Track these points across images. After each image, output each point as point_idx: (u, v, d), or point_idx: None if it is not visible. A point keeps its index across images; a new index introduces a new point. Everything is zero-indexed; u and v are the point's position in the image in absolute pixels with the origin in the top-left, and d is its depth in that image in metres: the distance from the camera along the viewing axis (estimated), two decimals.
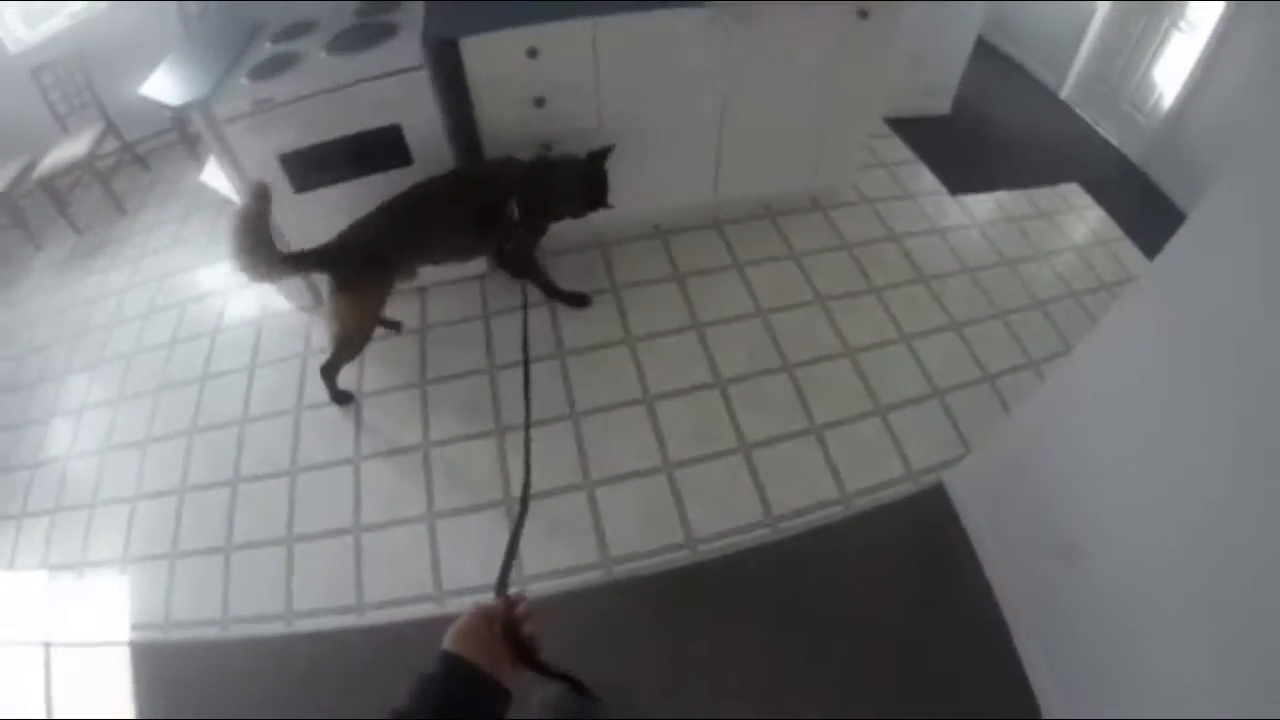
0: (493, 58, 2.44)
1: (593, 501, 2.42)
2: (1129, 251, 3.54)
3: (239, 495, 2.58)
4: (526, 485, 1.37)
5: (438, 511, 2.44)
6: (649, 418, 2.63)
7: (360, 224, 2.37)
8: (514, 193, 2.48)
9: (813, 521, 2.38)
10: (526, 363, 1.83)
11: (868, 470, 2.51)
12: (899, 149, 4.01)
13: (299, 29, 2.61)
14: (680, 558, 2.28)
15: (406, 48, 2.38)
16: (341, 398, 2.76)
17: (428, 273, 2.82)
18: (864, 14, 2.64)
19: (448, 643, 0.83)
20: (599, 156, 2.59)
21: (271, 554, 2.41)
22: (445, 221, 2.45)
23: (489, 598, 0.94)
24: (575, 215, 2.73)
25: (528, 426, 1.59)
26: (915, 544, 2.38)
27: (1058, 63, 4.70)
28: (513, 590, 0.96)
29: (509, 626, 0.88)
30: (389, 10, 2.62)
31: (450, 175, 2.51)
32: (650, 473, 2.48)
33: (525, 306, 2.21)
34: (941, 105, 4.32)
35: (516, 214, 2.49)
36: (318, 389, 2.78)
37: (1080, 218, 3.75)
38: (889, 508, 2.42)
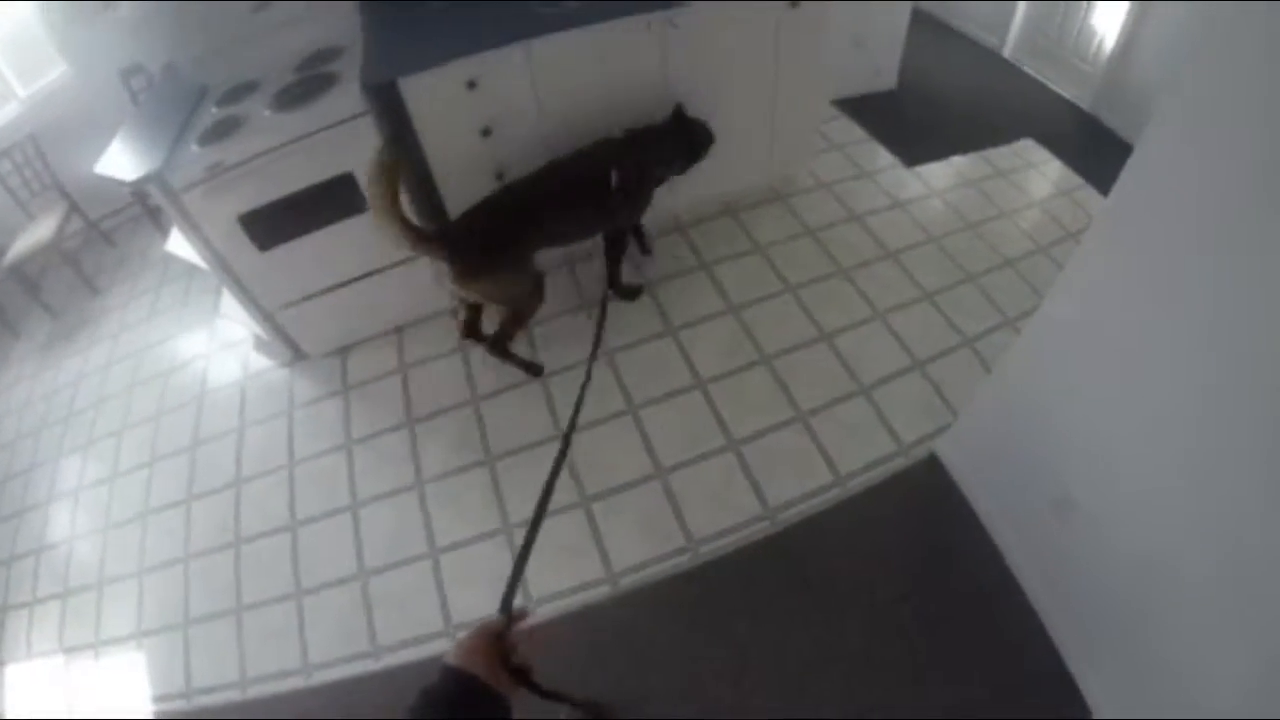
0: (433, 94, 2.46)
1: (590, 517, 2.45)
2: (1091, 198, 3.59)
3: (242, 556, 2.60)
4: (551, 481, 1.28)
5: (439, 547, 2.46)
6: (636, 427, 2.66)
7: (477, 210, 2.45)
8: (616, 162, 2.58)
9: (811, 508, 2.41)
10: (594, 354, 1.82)
11: (859, 450, 2.54)
12: (851, 129, 4.04)
13: (243, 90, 2.64)
14: (683, 562, 2.31)
15: (347, 96, 2.40)
16: (532, 368, 2.86)
17: (401, 312, 2.86)
18: (793, 3, 2.68)
19: (450, 657, 0.87)
20: (682, 111, 2.69)
21: (282, 610, 2.43)
22: (559, 203, 2.53)
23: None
24: (680, 172, 2.84)
25: (577, 409, 1.55)
26: (916, 516, 2.41)
27: (997, 24, 4.75)
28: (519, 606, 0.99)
29: (503, 650, 0.90)
30: (328, 61, 2.65)
31: (552, 164, 2.59)
32: (644, 481, 2.50)
33: (605, 300, 2.36)
34: (888, 81, 4.36)
35: (616, 181, 2.56)
36: (308, 442, 2.83)
37: (1039, 171, 3.79)
38: (885, 484, 2.46)
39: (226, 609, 2.48)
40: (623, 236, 2.89)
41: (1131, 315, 1.53)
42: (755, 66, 2.87)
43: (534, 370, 2.86)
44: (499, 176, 2.74)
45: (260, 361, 3.23)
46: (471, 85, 2.48)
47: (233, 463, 2.90)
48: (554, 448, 2.58)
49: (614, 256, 2.91)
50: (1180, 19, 3.52)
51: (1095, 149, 3.94)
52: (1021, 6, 4.52)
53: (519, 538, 2.41)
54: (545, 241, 2.63)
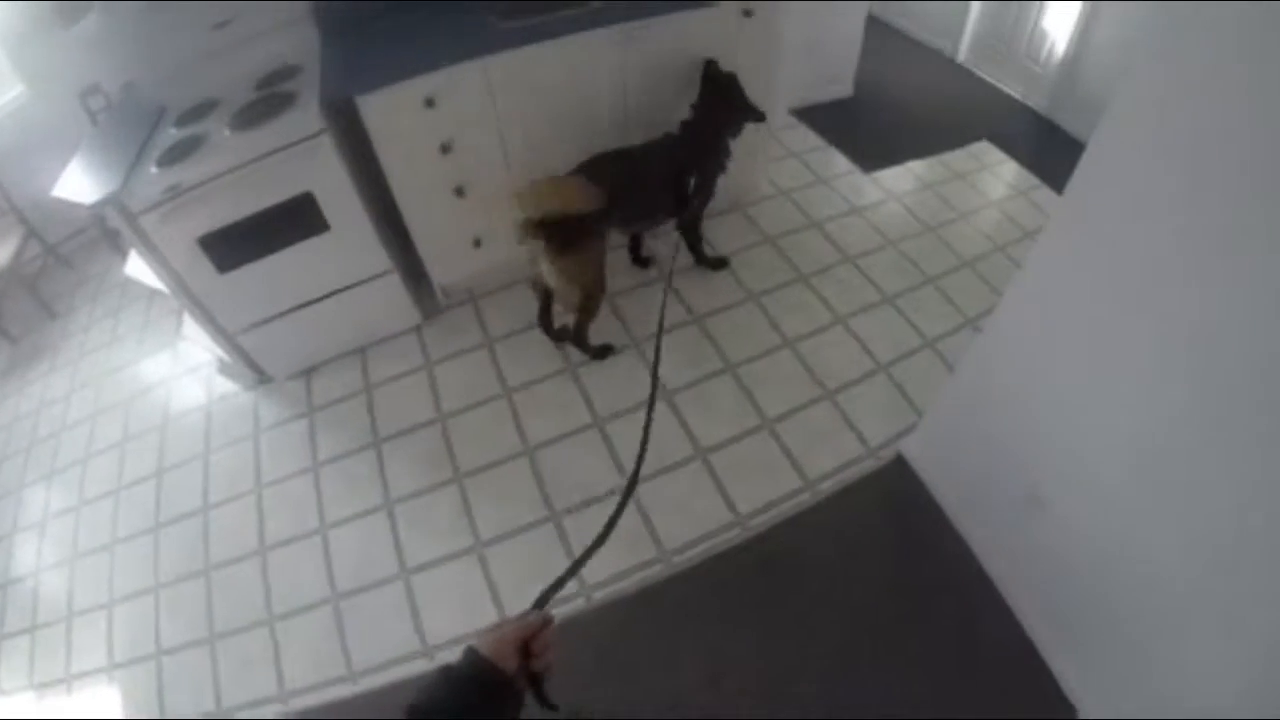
0: (391, 112, 2.47)
1: (561, 530, 2.46)
2: (1048, 198, 3.68)
3: (213, 583, 2.57)
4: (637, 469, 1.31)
5: (410, 568, 2.46)
6: (603, 441, 2.68)
7: None
8: (684, 153, 2.77)
9: (782, 513, 2.45)
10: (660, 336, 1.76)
11: (826, 454, 2.58)
12: (808, 137, 4.11)
13: (202, 109, 2.62)
14: (655, 573, 2.33)
15: (306, 115, 2.40)
16: (601, 352, 2.92)
17: (364, 332, 2.87)
18: (748, 13, 2.73)
19: (477, 642, 0.88)
20: (715, 70, 2.78)
21: (256, 637, 2.40)
22: (638, 184, 2.67)
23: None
24: (736, 135, 2.90)
25: (651, 405, 1.49)
26: (885, 516, 2.46)
27: (949, 29, 4.84)
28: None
29: (529, 650, 0.91)
30: (286, 79, 2.64)
31: (619, 152, 2.68)
32: (610, 495, 2.52)
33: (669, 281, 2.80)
34: (844, 89, 4.43)
35: (694, 183, 2.82)
36: (275, 465, 2.81)
37: (995, 173, 3.88)
38: (854, 487, 2.50)
39: (199, 638, 2.44)
40: (697, 223, 3.07)
41: (1089, 311, 1.57)
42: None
43: (605, 353, 2.94)
44: (459, 192, 2.75)
45: (225, 385, 3.20)
46: (430, 103, 2.49)
47: (200, 489, 2.86)
48: (522, 463, 2.65)
49: (693, 240, 3.11)
50: (1131, 19, 3.61)
51: (1050, 149, 4.04)
52: (973, 11, 4.62)
53: (490, 555, 2.43)
54: (620, 225, 2.83)
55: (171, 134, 2.54)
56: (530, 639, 0.90)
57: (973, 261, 3.29)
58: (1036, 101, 4.36)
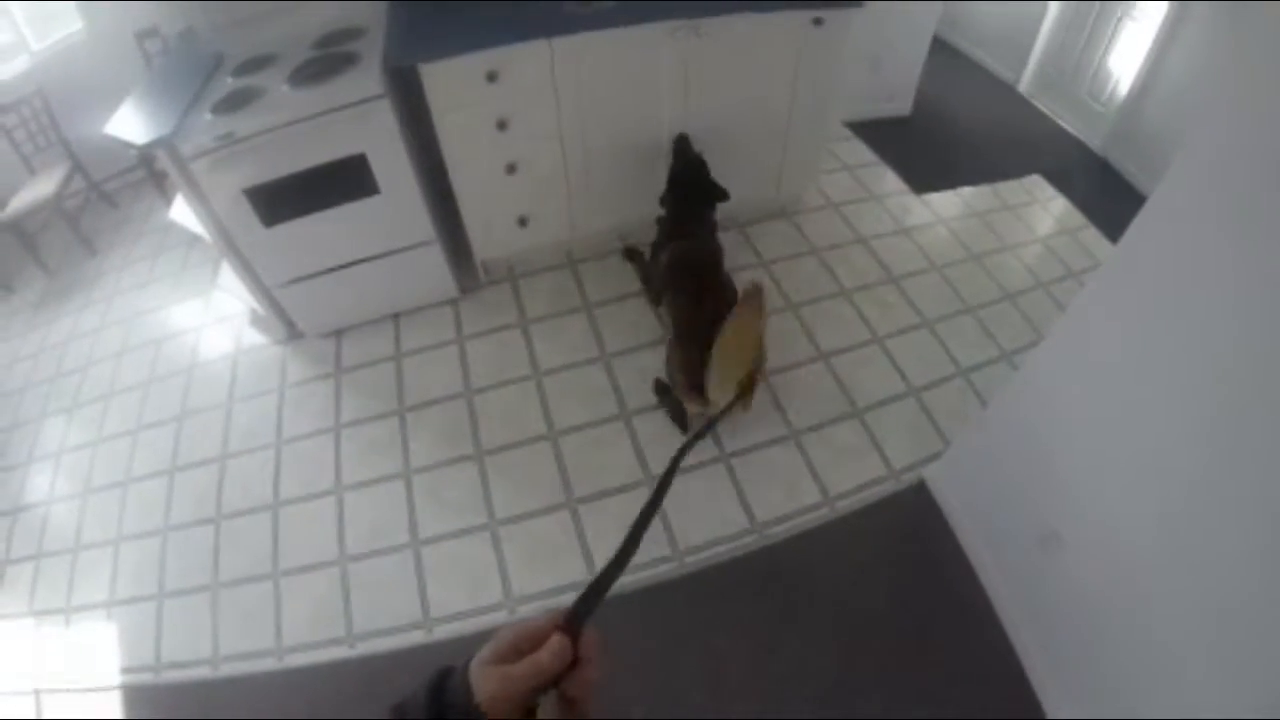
0: (452, 83, 2.46)
1: (576, 517, 2.44)
2: (1094, 239, 3.62)
3: (222, 532, 2.57)
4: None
5: (422, 539, 2.44)
6: (628, 434, 2.66)
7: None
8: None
9: (798, 526, 2.41)
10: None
11: (849, 472, 2.55)
12: (862, 152, 4.07)
13: (259, 62, 2.62)
14: (667, 570, 2.30)
15: (367, 77, 2.39)
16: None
17: (400, 300, 2.88)
18: (818, 21, 2.69)
19: (473, 673, 0.54)
20: (681, 144, 2.79)
21: (259, 590, 2.40)
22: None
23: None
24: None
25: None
26: (901, 542, 2.41)
27: (1014, 57, 4.79)
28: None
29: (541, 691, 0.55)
30: (349, 40, 2.63)
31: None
32: (634, 486, 2.50)
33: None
34: (902, 107, 4.39)
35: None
36: (297, 422, 2.82)
37: (1045, 208, 3.82)
38: (873, 507, 2.46)
39: (202, 584, 2.45)
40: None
41: (1127, 366, 1.55)
42: (774, 81, 2.88)
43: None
44: (510, 169, 2.74)
45: (254, 337, 3.21)
46: (492, 77, 2.48)
47: (219, 437, 2.87)
48: (544, 447, 2.63)
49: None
50: (1197, 69, 3.56)
51: (1101, 190, 3.98)
52: (1040, 41, 4.55)
53: (503, 534, 2.42)
54: None
55: (228, 83, 2.54)
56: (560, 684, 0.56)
57: (1014, 295, 3.24)
58: (1093, 139, 4.30)
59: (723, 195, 2.75)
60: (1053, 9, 4.42)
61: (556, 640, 0.55)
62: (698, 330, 2.35)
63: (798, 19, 2.68)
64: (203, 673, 2.25)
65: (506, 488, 2.56)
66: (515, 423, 2.73)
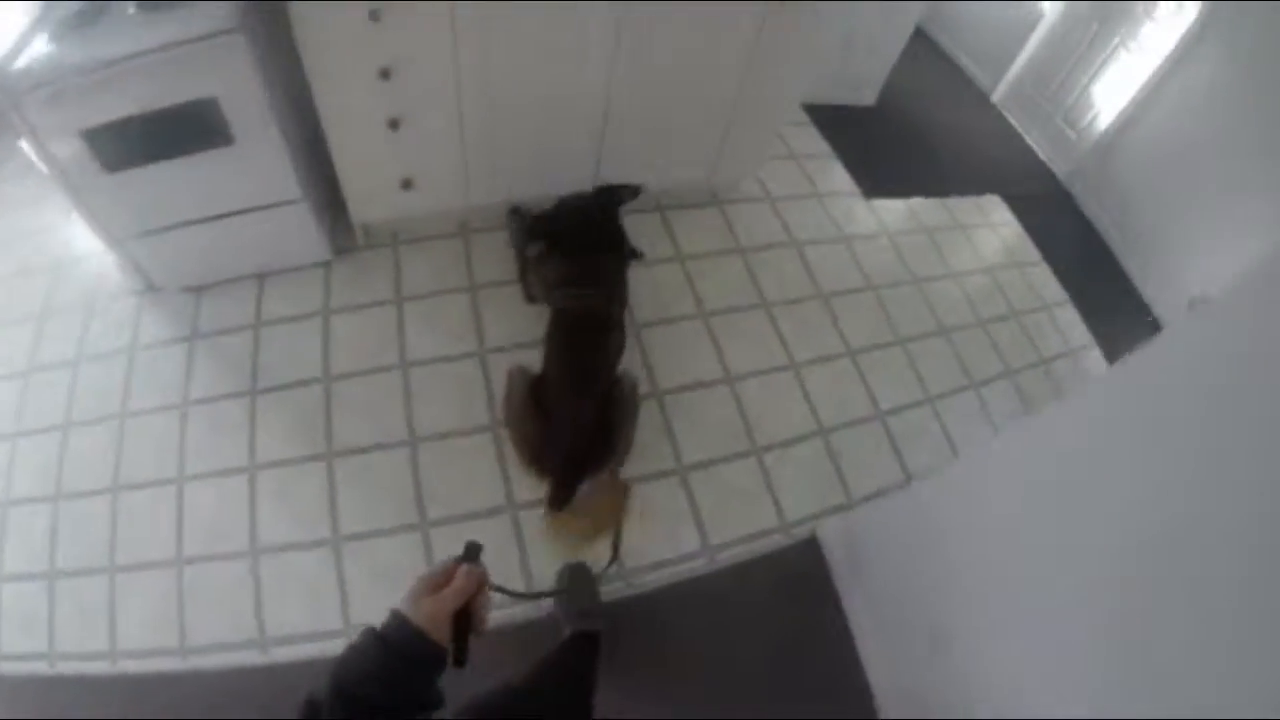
0: (325, 19, 2.01)
1: (427, 543, 2.16)
2: (1043, 277, 3.44)
3: (61, 514, 2.23)
4: None
5: (261, 546, 2.14)
6: (496, 448, 2.34)
7: None
8: None
9: (675, 575, 2.17)
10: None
11: (737, 519, 2.30)
12: (814, 140, 3.72)
13: None
14: (524, 612, 2.01)
15: (221, 5, 1.93)
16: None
17: (266, 258, 2.59)
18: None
19: (406, 604, 0.84)
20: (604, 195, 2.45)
21: (96, 583, 2.10)
22: None
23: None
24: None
25: None
26: (781, 599, 2.20)
27: (994, 64, 4.48)
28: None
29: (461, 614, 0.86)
30: None
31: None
32: (493, 513, 2.22)
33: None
34: (867, 96, 4.05)
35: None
36: (145, 394, 2.45)
37: (996, 233, 3.58)
38: (756, 561, 2.23)
39: (39, 571, 2.13)
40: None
41: (1057, 501, 1.43)
42: (726, 54, 2.50)
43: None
44: (393, 125, 2.32)
45: (112, 281, 2.74)
46: (375, 15, 2.01)
47: (64, 402, 2.46)
48: (402, 455, 2.31)
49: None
50: (1190, 118, 3.32)
51: (1059, 224, 3.78)
52: (1025, 52, 4.23)
53: (347, 552, 2.13)
54: None
55: None
56: (468, 603, 0.86)
57: (950, 331, 3.00)
58: (1060, 167, 4.07)
59: (635, 254, 2.40)
60: (1048, 15, 4.08)
61: (467, 568, 0.89)
62: (563, 389, 2.11)
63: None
64: (38, 668, 1.98)
65: (356, 498, 2.24)
66: (374, 420, 2.39)
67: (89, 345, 2.61)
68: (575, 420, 2.07)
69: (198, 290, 2.70)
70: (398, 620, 0.81)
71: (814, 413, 2.59)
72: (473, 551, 0.93)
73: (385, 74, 2.17)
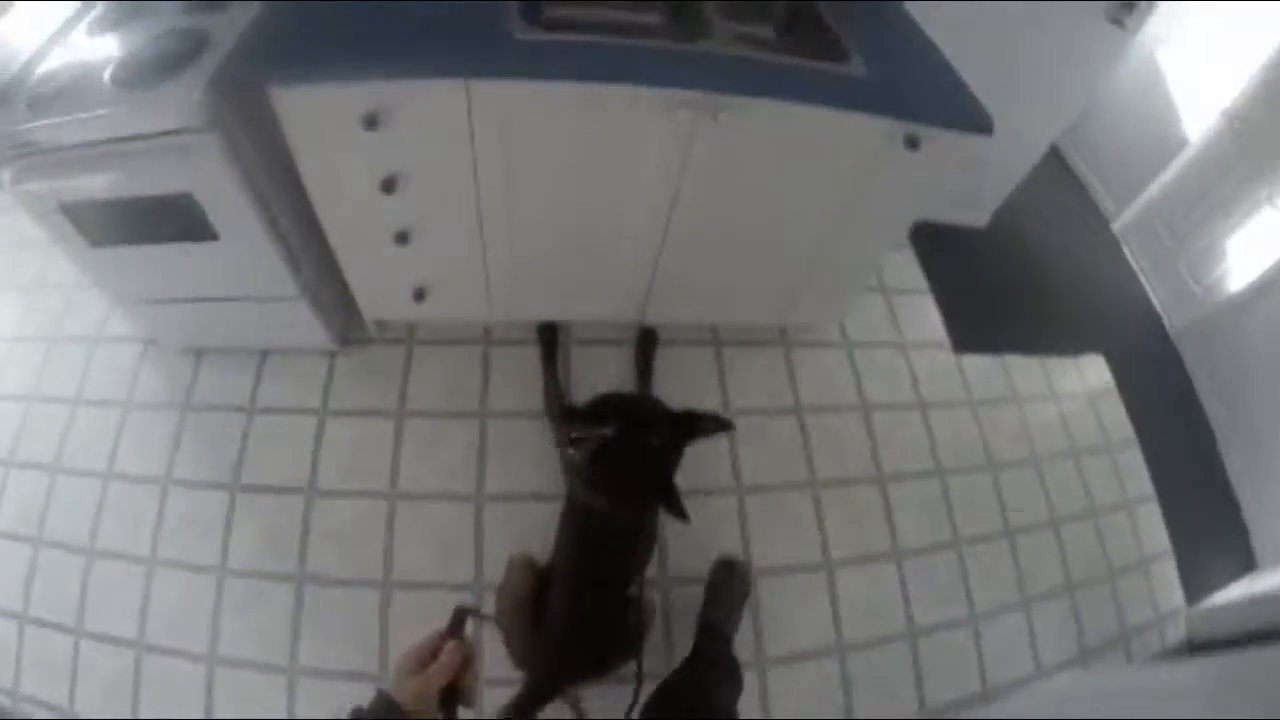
0: (316, 122, 1.69)
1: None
2: (1132, 464, 2.96)
3: (40, 560, 2.20)
4: None
5: (220, 658, 2.02)
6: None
7: None
8: None
9: None
10: None
11: None
12: (909, 269, 3.24)
13: (122, 14, 1.86)
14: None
15: (189, 97, 1.59)
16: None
17: (266, 338, 2.46)
18: (913, 143, 1.86)
19: (392, 684, 0.83)
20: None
21: (60, 642, 2.07)
22: None
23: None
24: None
25: None
26: None
27: (1123, 190, 3.92)
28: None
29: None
30: (213, 10, 1.81)
31: None
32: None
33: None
34: (979, 217, 3.57)
35: None
36: (131, 458, 2.37)
37: (1094, 408, 3.11)
38: None
39: (13, 610, 2.11)
40: None
41: None
42: (822, 200, 2.11)
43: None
44: (402, 239, 2.01)
45: (121, 320, 2.55)
46: (371, 123, 1.65)
47: (58, 440, 2.39)
48: (371, 598, 2.09)
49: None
50: None
51: (1162, 393, 3.31)
52: (1159, 183, 3.69)
53: (301, 691, 1.98)
54: None
55: (66, 52, 1.79)
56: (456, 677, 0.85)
57: (1015, 532, 2.59)
58: (1174, 320, 3.55)
59: (681, 514, 1.71)
60: (1192, 148, 3.53)
61: (454, 644, 0.86)
62: (567, 598, 1.77)
63: (882, 132, 1.83)
64: (1, 702, 1.98)
65: (317, 635, 2.05)
66: (350, 553, 2.17)
67: (89, 386, 2.52)
68: (569, 638, 1.77)
69: (197, 354, 2.53)
70: (383, 701, 0.80)
71: (837, 626, 2.25)
72: (459, 619, 0.90)
73: (389, 185, 1.84)
